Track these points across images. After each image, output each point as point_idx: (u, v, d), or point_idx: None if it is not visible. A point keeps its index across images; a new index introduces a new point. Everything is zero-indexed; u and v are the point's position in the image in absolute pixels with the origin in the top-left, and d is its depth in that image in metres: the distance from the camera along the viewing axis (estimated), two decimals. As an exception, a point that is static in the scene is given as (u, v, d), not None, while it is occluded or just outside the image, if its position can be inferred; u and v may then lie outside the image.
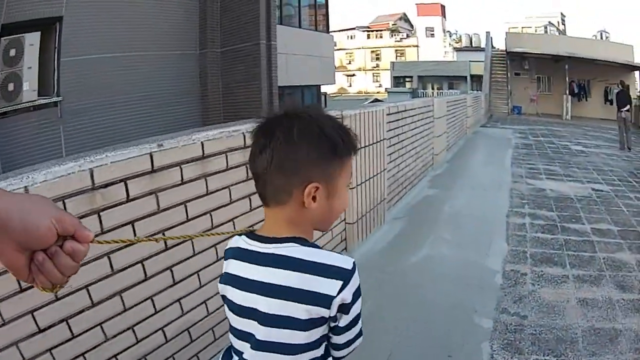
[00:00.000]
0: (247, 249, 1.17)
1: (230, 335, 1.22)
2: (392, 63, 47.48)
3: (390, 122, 5.91)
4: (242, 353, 1.16)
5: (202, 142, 2.56)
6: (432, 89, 42.19)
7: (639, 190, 8.27)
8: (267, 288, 1.10)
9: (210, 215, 2.67)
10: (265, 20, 14.44)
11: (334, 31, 58.03)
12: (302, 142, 1.10)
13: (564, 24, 60.36)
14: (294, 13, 19.37)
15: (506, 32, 31.54)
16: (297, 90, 19.68)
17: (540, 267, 4.63)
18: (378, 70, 59.92)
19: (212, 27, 14.59)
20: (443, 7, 61.76)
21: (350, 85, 61.22)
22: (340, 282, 1.08)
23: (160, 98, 13.13)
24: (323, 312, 1.08)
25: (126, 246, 2.06)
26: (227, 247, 1.25)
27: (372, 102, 30.46)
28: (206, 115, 14.62)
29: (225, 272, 1.22)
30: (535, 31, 45.83)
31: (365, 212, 5.15)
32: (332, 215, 1.21)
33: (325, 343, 1.17)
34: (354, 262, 1.12)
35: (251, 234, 1.19)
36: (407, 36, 62.13)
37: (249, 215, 2.98)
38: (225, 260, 1.25)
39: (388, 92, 39.64)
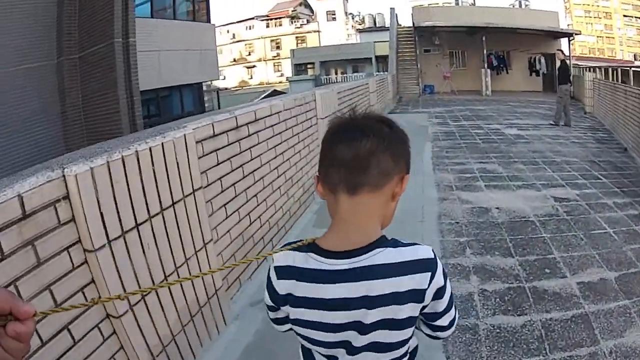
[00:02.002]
0: (323, 270, 1.12)
1: (311, 345, 1.19)
2: (292, 50, 47.01)
3: (215, 150, 3.39)
4: (337, 358, 1.17)
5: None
6: (336, 73, 42.92)
7: (616, 191, 6.17)
8: (362, 302, 1.08)
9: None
10: (122, 13, 12.31)
11: (231, 23, 57.21)
12: (404, 137, 1.21)
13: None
14: (168, 3, 17.39)
15: (413, 7, 30.31)
16: (174, 91, 17.93)
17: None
18: (279, 59, 58.99)
19: (68, 29, 12.42)
20: (344, -12, 61.62)
21: (252, 77, 59.98)
22: (429, 274, 1.10)
23: (19, 122, 11.27)
24: (419, 306, 1.11)
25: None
26: (277, 264, 1.19)
27: (268, 95, 28.71)
28: (67, 136, 12.52)
29: (291, 295, 1.16)
30: (443, 6, 45.37)
31: (178, 330, 2.70)
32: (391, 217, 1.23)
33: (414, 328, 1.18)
34: (432, 249, 1.14)
35: (320, 251, 1.14)
36: (308, 22, 61.80)
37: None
38: (278, 279, 1.19)
39: (290, 81, 39.63)
